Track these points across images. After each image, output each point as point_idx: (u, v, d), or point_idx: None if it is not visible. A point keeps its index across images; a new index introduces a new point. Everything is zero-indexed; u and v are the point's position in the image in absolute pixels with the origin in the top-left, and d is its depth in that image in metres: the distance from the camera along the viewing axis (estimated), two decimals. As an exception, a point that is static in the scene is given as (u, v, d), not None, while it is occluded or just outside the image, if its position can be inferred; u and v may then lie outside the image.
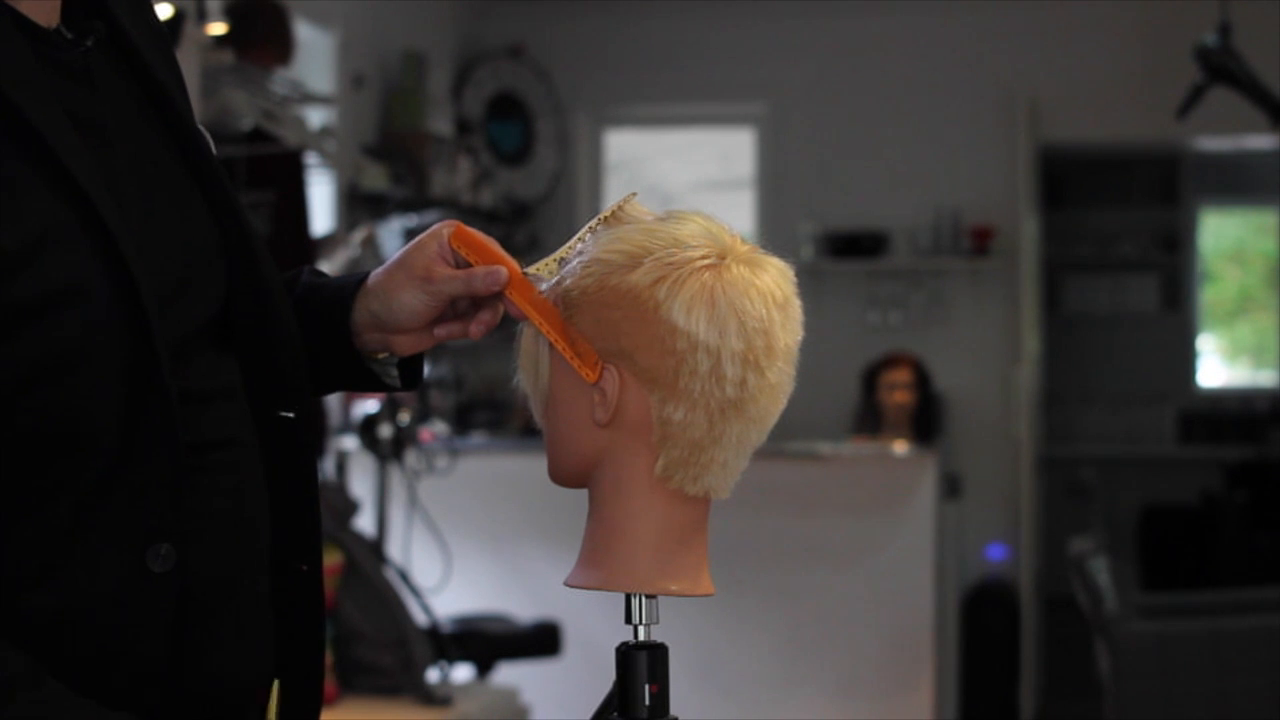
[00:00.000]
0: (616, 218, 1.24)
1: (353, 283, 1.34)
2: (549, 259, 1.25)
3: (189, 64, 3.71)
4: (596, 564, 1.21)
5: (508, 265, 1.26)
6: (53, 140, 1.11)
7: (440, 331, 1.33)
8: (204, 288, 1.23)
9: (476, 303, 1.31)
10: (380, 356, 1.37)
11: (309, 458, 1.32)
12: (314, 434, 1.34)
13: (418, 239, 1.31)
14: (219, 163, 1.28)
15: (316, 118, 4.85)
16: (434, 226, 1.31)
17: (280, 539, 1.28)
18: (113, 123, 1.19)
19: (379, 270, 1.33)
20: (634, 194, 1.28)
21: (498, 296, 1.27)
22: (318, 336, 1.34)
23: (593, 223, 1.24)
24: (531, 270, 1.26)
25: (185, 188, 1.24)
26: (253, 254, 1.26)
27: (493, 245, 1.28)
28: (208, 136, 1.29)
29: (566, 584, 1.23)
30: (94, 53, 1.20)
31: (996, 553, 6.37)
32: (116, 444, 1.12)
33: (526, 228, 6.66)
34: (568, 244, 1.24)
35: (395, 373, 1.39)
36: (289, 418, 1.28)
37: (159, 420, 1.14)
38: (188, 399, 1.17)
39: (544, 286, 1.25)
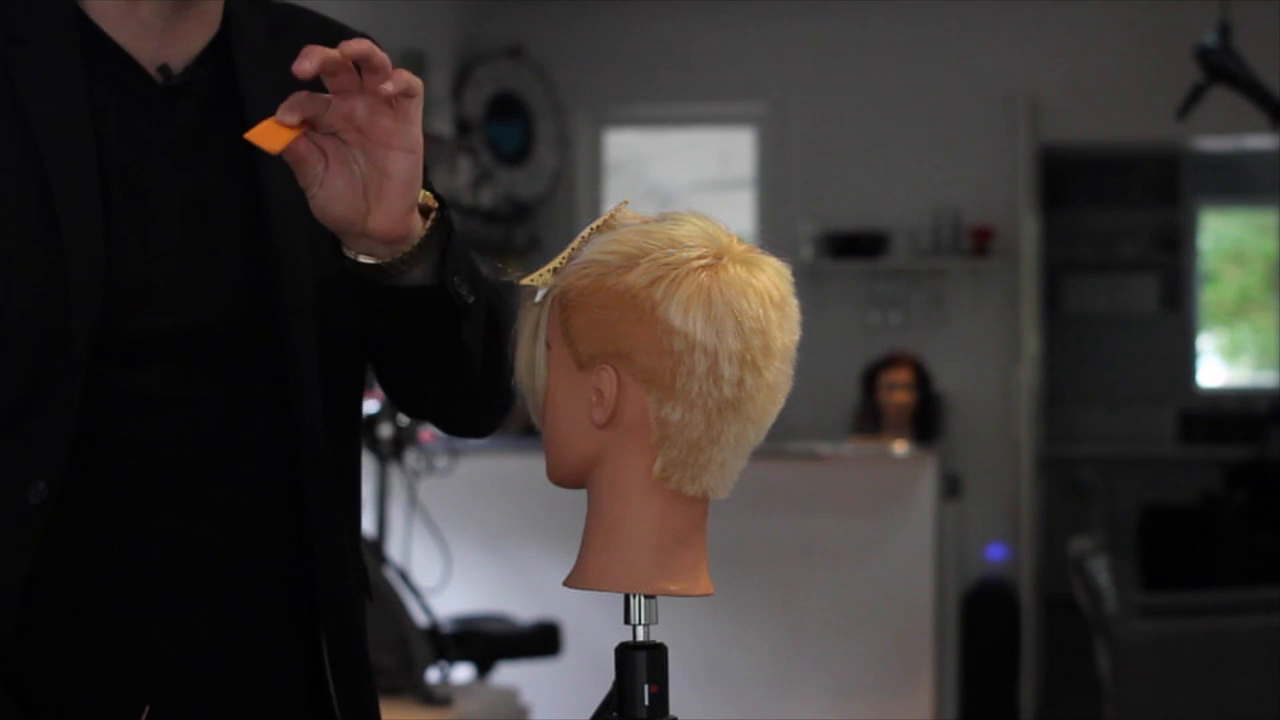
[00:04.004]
0: (609, 226, 1.24)
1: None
2: (543, 270, 1.25)
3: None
4: (596, 564, 1.21)
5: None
6: (39, 132, 1.28)
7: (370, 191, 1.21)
8: (181, 305, 1.31)
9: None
10: (403, 255, 1.24)
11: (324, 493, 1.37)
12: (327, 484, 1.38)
13: None
14: (292, 220, 1.32)
15: (316, 118, 4.84)
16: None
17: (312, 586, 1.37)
18: (174, 151, 1.32)
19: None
20: (625, 202, 1.28)
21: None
22: (365, 309, 1.29)
23: (585, 232, 1.24)
24: (526, 281, 1.26)
25: (227, 226, 1.33)
26: (284, 289, 1.32)
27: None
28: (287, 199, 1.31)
29: (566, 584, 1.23)
30: (186, 89, 1.35)
31: (996, 553, 6.37)
32: (17, 394, 1.26)
33: (526, 228, 6.66)
34: (561, 254, 1.24)
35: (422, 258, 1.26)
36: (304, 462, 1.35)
37: (65, 384, 1.26)
38: (121, 396, 1.29)
39: (539, 296, 1.25)
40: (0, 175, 1.28)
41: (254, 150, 1.18)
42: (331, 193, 1.17)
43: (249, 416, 1.34)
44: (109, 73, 1.33)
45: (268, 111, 1.19)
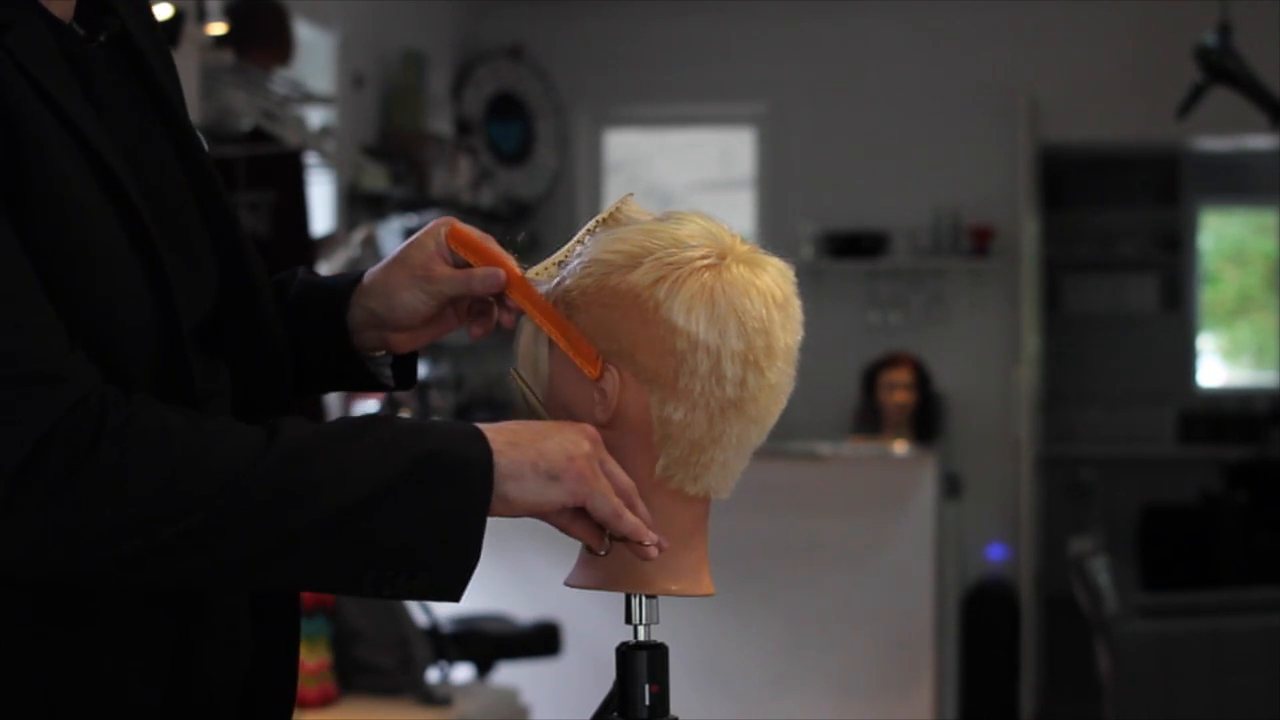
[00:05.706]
0: (614, 219, 1.24)
1: (349, 280, 1.33)
2: (547, 262, 1.25)
3: (189, 64, 3.71)
4: (597, 564, 1.21)
5: (506, 265, 1.25)
6: (93, 140, 1.12)
7: (436, 330, 1.32)
8: (197, 287, 1.22)
9: (476, 301, 1.30)
10: (377, 354, 1.34)
11: None
12: None
13: (415, 236, 1.30)
14: (214, 167, 1.28)
15: (316, 118, 4.85)
16: (430, 224, 1.29)
17: None
18: (114, 120, 1.19)
19: (376, 268, 1.32)
20: (630, 195, 1.28)
21: (497, 296, 1.27)
22: (314, 334, 1.32)
23: (590, 225, 1.24)
24: (530, 274, 1.26)
25: (180, 188, 1.24)
26: (244, 259, 1.25)
27: (490, 244, 1.26)
28: (203, 140, 1.28)
29: (566, 584, 1.23)
30: (102, 50, 1.20)
31: (996, 553, 6.37)
32: None
33: (526, 228, 6.66)
34: (566, 247, 1.24)
35: (389, 371, 1.36)
36: None
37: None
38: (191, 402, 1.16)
39: (543, 290, 1.25)
40: (57, 158, 1.10)
41: (167, 115, 1.23)
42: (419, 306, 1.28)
43: (225, 399, 1.26)
44: (49, 35, 1.15)
45: (164, 64, 1.26)
